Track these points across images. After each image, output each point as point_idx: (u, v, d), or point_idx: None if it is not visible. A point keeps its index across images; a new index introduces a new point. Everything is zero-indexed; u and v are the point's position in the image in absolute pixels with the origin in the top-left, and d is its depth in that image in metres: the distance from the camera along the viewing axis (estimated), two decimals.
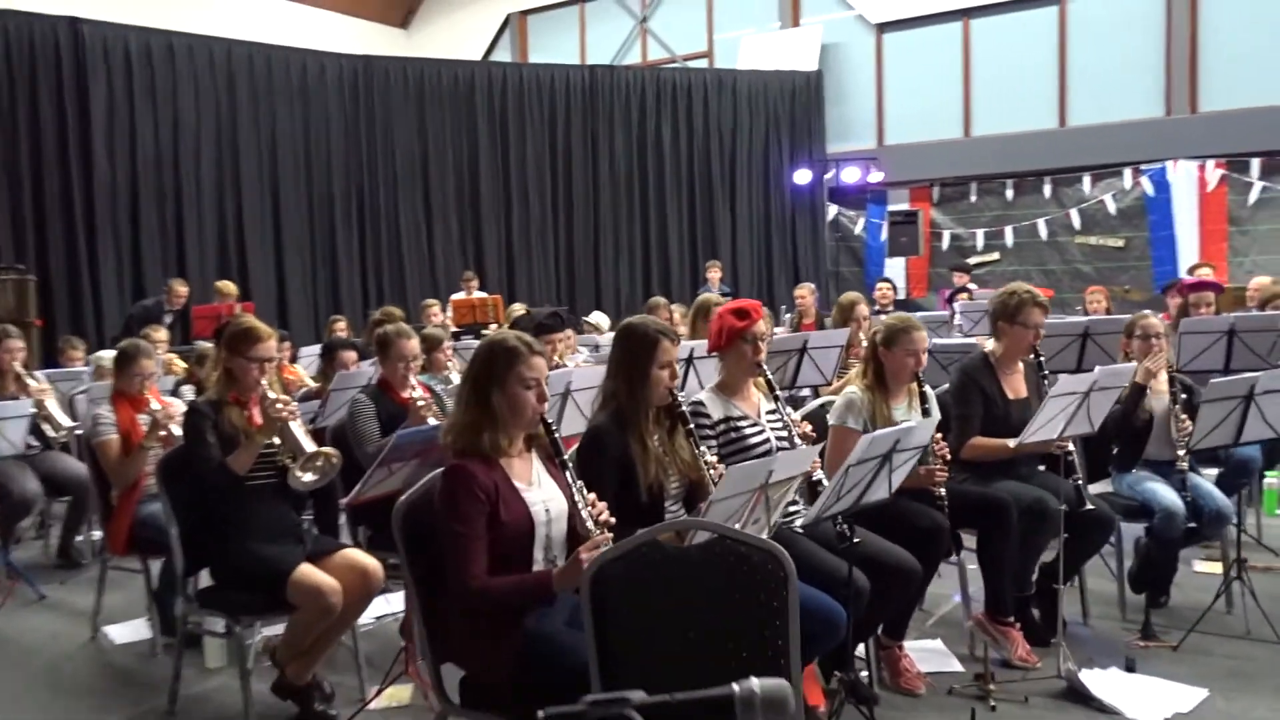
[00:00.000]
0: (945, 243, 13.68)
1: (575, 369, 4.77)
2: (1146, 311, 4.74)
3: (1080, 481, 3.91)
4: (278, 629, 3.65)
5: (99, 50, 10.54)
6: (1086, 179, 12.74)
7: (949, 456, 3.69)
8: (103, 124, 10.52)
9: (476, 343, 7.68)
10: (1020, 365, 4.20)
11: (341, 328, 8.87)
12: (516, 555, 2.64)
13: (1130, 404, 4.23)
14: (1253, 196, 11.81)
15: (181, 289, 9.59)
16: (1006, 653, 3.87)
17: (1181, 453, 4.19)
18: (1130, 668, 3.76)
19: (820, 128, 14.43)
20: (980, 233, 13.45)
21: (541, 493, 2.73)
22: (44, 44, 10.26)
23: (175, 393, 5.63)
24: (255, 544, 3.43)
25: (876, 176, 13.63)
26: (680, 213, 14.23)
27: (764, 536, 2.45)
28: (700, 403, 3.41)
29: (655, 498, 3.04)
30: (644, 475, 3.00)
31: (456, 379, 5.47)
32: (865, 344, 4.32)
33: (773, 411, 3.50)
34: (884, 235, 13.73)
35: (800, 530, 3.36)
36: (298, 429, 3.48)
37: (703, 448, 3.10)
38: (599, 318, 10.73)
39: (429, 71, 13.16)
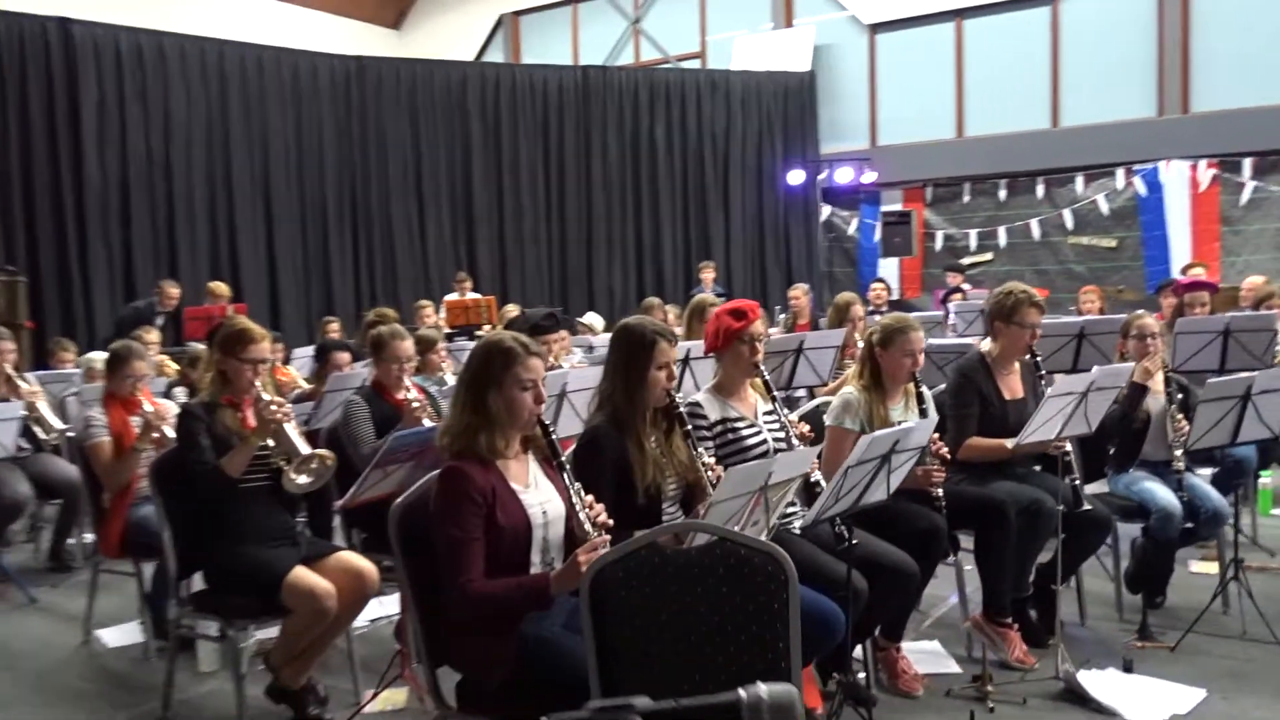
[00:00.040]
0: (939, 243, 13.69)
1: (571, 370, 4.74)
2: (1141, 312, 4.74)
3: (1077, 482, 3.91)
4: (272, 632, 3.62)
5: (89, 50, 10.49)
6: (1079, 179, 12.76)
7: (947, 457, 3.69)
8: (93, 125, 10.46)
9: (470, 344, 7.66)
10: (1017, 365, 4.19)
11: (334, 329, 8.84)
12: (513, 558, 2.62)
13: (1131, 404, 4.23)
14: (1245, 196, 11.84)
15: (173, 290, 9.54)
16: (1004, 654, 3.86)
17: (1178, 453, 4.19)
18: (1128, 668, 3.75)
19: (813, 128, 14.43)
20: (973, 233, 13.46)
21: (538, 495, 2.71)
22: (34, 44, 10.20)
23: (168, 394, 5.60)
24: (249, 547, 3.40)
25: (870, 177, 13.63)
26: (674, 213, 14.22)
27: (763, 538, 2.43)
28: (697, 404, 3.39)
29: (652, 499, 3.02)
30: (641, 477, 2.99)
31: (450, 380, 5.45)
32: (861, 344, 4.32)
33: (770, 412, 3.49)
34: (877, 236, 13.74)
35: (798, 532, 3.35)
36: (292, 431, 3.45)
37: (700, 449, 3.09)
38: (593, 318, 10.72)
39: (421, 72, 13.13)
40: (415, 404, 4.19)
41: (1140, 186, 12.37)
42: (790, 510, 3.36)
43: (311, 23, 15.67)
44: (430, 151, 13.04)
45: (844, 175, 13.71)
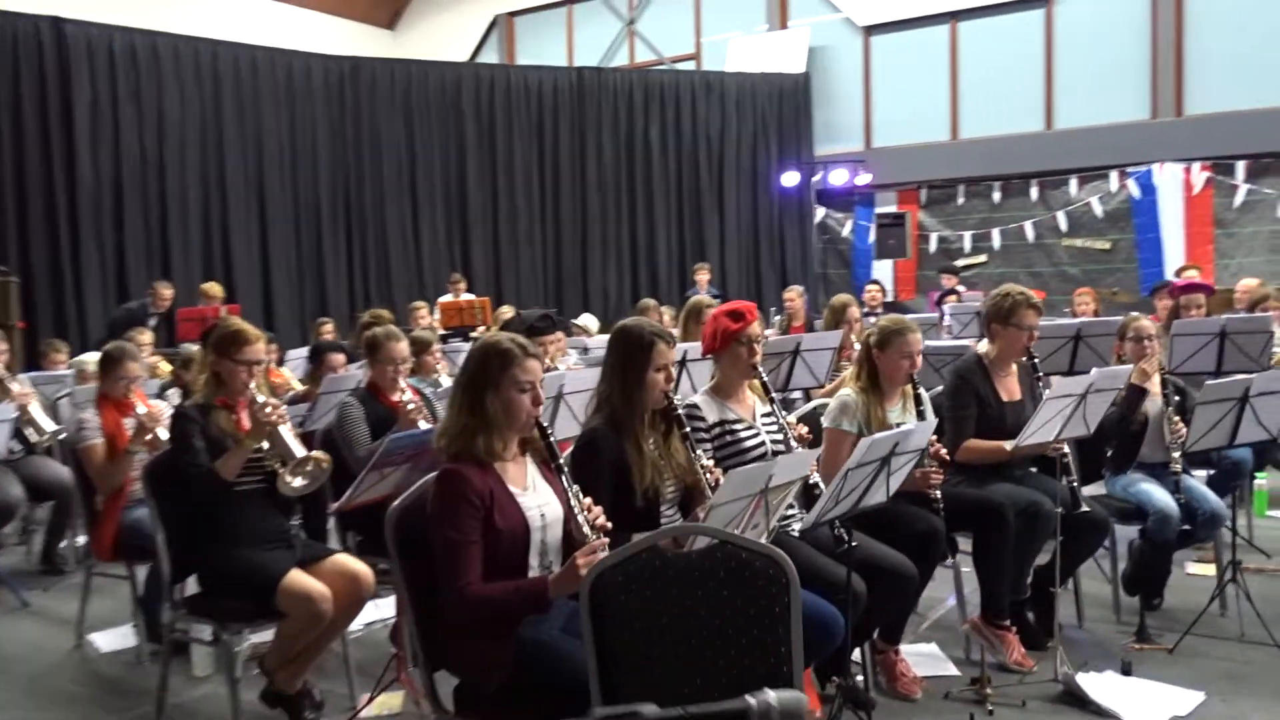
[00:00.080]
0: (933, 245, 13.70)
1: (568, 372, 4.72)
2: (1138, 314, 4.74)
3: (1075, 484, 3.90)
4: (266, 636, 3.59)
5: (82, 50, 10.45)
6: (1073, 181, 12.78)
7: (946, 459, 3.68)
8: (86, 125, 10.42)
9: (465, 345, 7.63)
10: (1014, 367, 4.18)
11: (328, 330, 8.81)
12: (511, 561, 2.60)
13: (1129, 406, 4.22)
14: (1238, 199, 11.88)
15: (166, 291, 9.50)
16: (1002, 656, 3.85)
17: (1176, 455, 4.19)
18: (1127, 671, 3.75)
19: (808, 130, 14.44)
20: (968, 235, 13.47)
21: (536, 497, 2.69)
22: (26, 44, 10.15)
23: (161, 396, 5.56)
24: (244, 550, 3.38)
25: (864, 179, 13.64)
26: (668, 215, 14.21)
27: (763, 541, 2.41)
28: (695, 406, 3.38)
29: (651, 502, 3.00)
30: (639, 479, 2.97)
31: (445, 382, 5.43)
32: (857, 346, 4.31)
33: (768, 414, 3.48)
34: (872, 237, 13.75)
35: (797, 535, 3.33)
36: (287, 433, 3.43)
37: (699, 451, 3.07)
38: (587, 320, 10.70)
39: (416, 73, 13.10)
40: (410, 405, 4.16)
41: (1134, 189, 12.39)
42: (789, 513, 3.35)
43: (305, 23, 15.64)
44: (425, 152, 13.01)
45: (838, 177, 13.72)
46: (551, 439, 2.69)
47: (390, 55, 14.77)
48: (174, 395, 5.61)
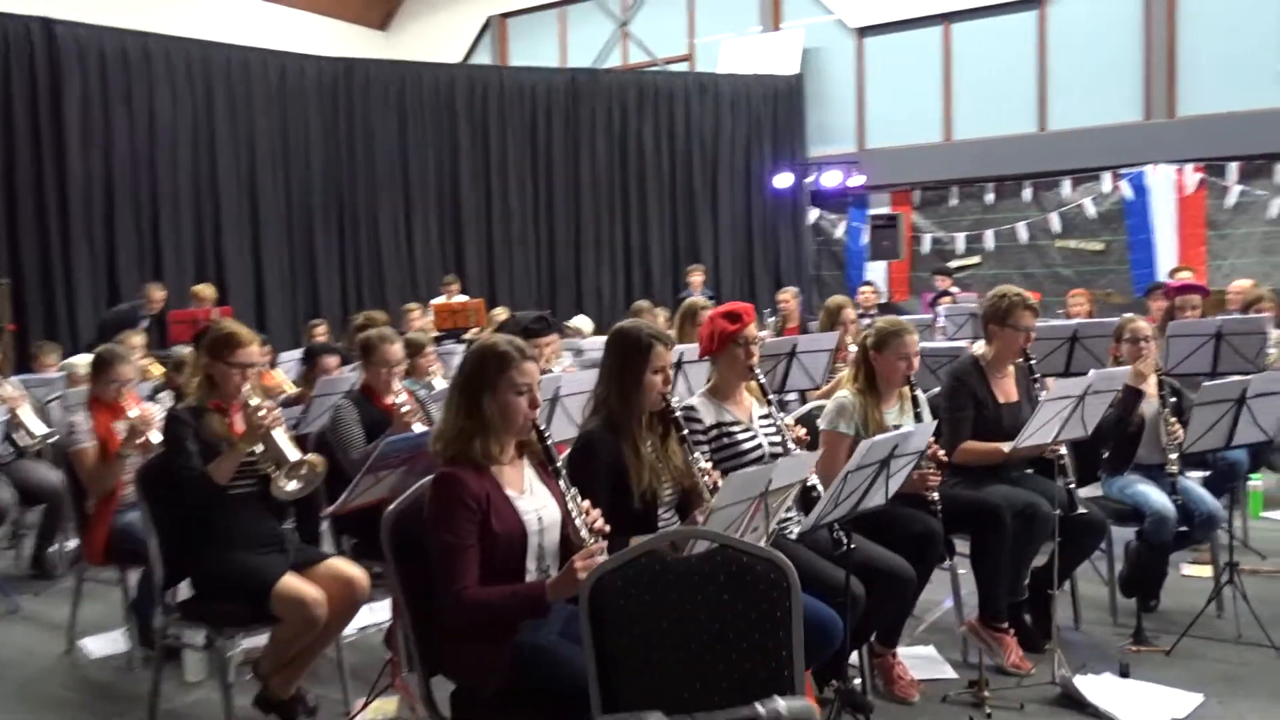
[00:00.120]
0: (926, 246, 13.70)
1: (564, 374, 4.70)
2: (1133, 316, 4.74)
3: (1072, 485, 3.89)
4: (259, 641, 3.56)
5: (73, 51, 10.37)
6: (1066, 183, 12.79)
7: (944, 460, 3.66)
8: (77, 126, 10.34)
9: (458, 347, 7.58)
10: (1011, 369, 4.18)
11: (321, 332, 8.75)
12: (508, 565, 2.58)
13: (1126, 408, 4.22)
14: (1230, 200, 11.89)
15: (158, 293, 9.45)
16: (1000, 659, 3.84)
17: (1173, 456, 4.18)
18: (1124, 673, 3.74)
19: (801, 131, 14.42)
20: (961, 236, 13.47)
21: (534, 501, 2.67)
22: (16, 45, 10.07)
23: (153, 398, 5.53)
24: (237, 554, 3.35)
25: (857, 180, 13.63)
26: (662, 216, 14.18)
27: (762, 544, 2.40)
28: (692, 408, 3.36)
29: (648, 505, 2.99)
30: (637, 482, 2.96)
31: (439, 384, 5.40)
32: (853, 347, 4.29)
33: (765, 416, 3.46)
34: (865, 239, 13.74)
35: (794, 538, 3.32)
36: (281, 436, 3.40)
37: (696, 454, 3.05)
38: (581, 321, 10.66)
39: (409, 74, 13.05)
40: (405, 408, 4.14)
41: (1127, 190, 12.40)
42: (786, 516, 3.33)
43: (297, 24, 15.58)
44: (418, 154, 12.96)
45: (832, 178, 13.71)
46: (549, 442, 2.66)
47: (383, 56, 14.71)
48: (166, 398, 5.57)
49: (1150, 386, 4.36)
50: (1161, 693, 3.60)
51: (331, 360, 5.55)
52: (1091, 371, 3.88)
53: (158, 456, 3.58)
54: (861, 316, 7.82)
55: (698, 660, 2.14)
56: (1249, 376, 4.09)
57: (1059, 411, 3.68)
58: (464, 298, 10.99)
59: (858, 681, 3.52)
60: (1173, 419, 4.24)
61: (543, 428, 2.68)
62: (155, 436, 4.05)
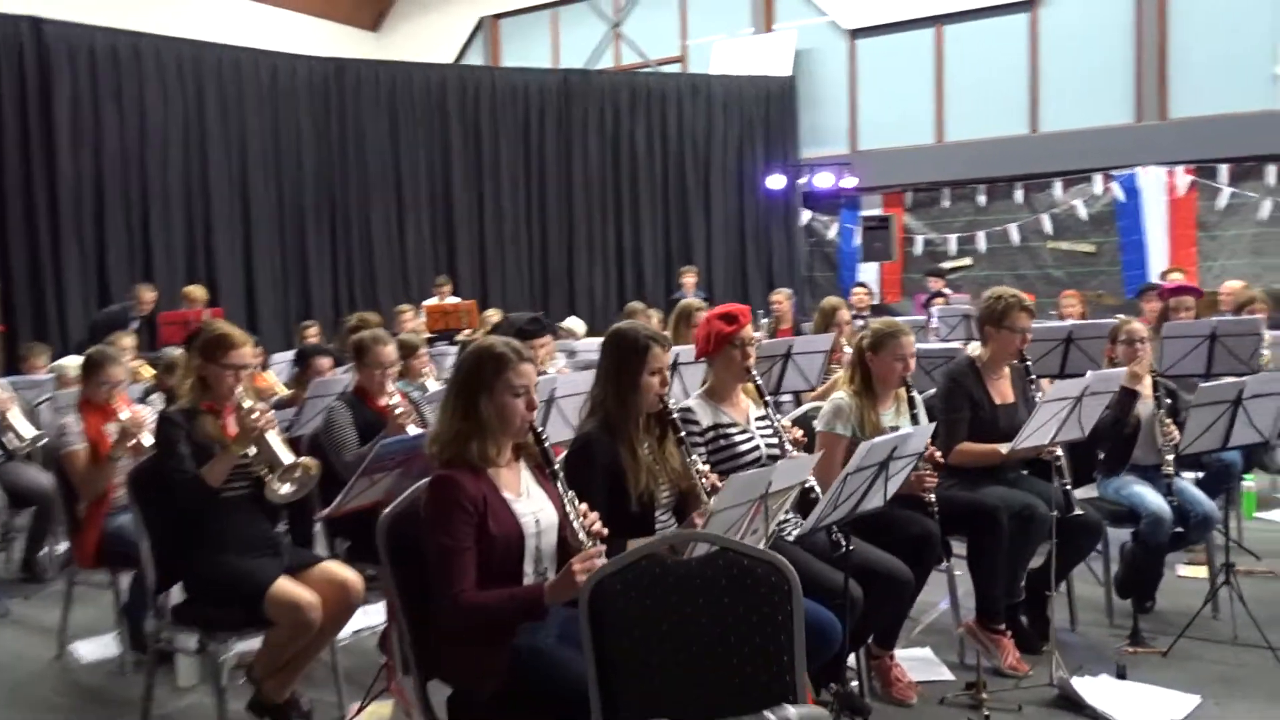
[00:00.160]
0: (918, 248, 13.72)
1: (559, 375, 4.68)
2: (1128, 317, 4.74)
3: (1069, 486, 3.89)
4: (253, 644, 3.53)
5: (63, 51, 10.30)
6: (1058, 184, 12.82)
7: (941, 462, 3.65)
8: (67, 126, 10.28)
9: (451, 349, 7.54)
10: (1007, 370, 4.17)
11: (313, 334, 8.72)
12: (505, 568, 2.56)
13: (1122, 409, 4.22)
14: (1221, 202, 11.93)
15: (148, 294, 9.39)
16: (997, 660, 3.83)
17: (1169, 457, 4.18)
18: (1121, 674, 3.74)
19: (794, 133, 14.43)
20: (953, 238, 13.50)
21: (531, 503, 2.65)
22: (5, 44, 10.00)
23: (144, 400, 5.49)
24: (231, 557, 3.32)
25: (850, 182, 13.64)
26: (654, 217, 14.17)
27: (762, 547, 2.38)
28: (689, 409, 3.35)
29: (646, 507, 2.97)
30: (634, 484, 2.94)
31: (433, 386, 5.38)
32: (848, 349, 4.27)
33: (762, 418, 3.45)
34: (857, 240, 13.74)
35: (791, 540, 3.30)
36: (275, 439, 3.37)
37: (693, 456, 3.04)
38: (574, 323, 10.64)
39: (400, 75, 13.01)
40: (399, 410, 4.11)
41: (1118, 192, 12.44)
42: (784, 518, 3.31)
43: (289, 24, 15.52)
44: (409, 154, 12.92)
45: (824, 180, 13.72)
46: (546, 444, 2.64)
47: (374, 57, 14.67)
48: (157, 400, 5.53)
49: (1145, 388, 4.36)
50: (1158, 694, 3.60)
51: (324, 362, 5.52)
52: (1089, 373, 3.88)
53: (149, 459, 3.54)
54: (855, 318, 7.83)
55: (699, 665, 2.12)
56: (1245, 378, 4.09)
57: (1056, 413, 3.68)
58: (456, 299, 10.96)
59: (855, 684, 3.50)
60: (1168, 420, 4.24)
61: (539, 429, 2.66)
62: (147, 439, 4.02)
